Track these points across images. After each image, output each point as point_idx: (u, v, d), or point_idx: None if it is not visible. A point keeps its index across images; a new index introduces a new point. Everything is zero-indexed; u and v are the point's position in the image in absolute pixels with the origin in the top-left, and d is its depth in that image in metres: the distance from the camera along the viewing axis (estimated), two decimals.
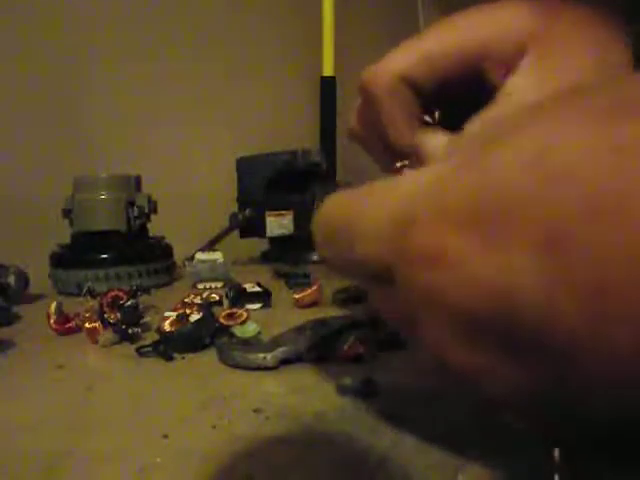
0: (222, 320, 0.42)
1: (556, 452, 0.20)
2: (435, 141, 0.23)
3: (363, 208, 0.18)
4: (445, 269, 0.14)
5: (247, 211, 0.86)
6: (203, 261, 0.66)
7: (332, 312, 0.50)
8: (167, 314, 0.43)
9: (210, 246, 0.82)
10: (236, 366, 0.34)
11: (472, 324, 0.14)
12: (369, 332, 0.35)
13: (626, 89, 0.13)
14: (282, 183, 0.86)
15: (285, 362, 0.34)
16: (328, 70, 1.09)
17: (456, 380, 0.17)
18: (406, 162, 0.27)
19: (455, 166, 0.16)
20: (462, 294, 0.14)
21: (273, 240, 0.89)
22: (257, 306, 0.52)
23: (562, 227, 0.12)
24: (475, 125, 0.21)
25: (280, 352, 0.34)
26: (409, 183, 0.17)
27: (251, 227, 0.87)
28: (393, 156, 0.28)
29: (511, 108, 0.19)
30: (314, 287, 0.52)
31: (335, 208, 0.19)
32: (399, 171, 0.28)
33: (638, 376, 0.11)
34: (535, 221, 0.12)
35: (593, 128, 0.12)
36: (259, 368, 0.33)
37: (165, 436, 0.25)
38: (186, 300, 0.51)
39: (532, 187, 0.13)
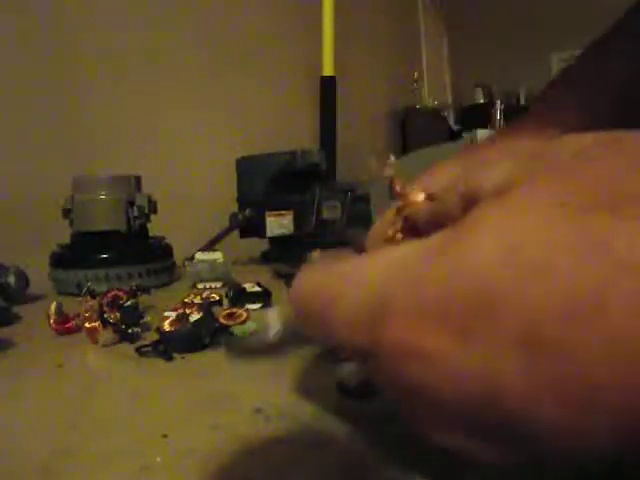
0: (222, 320, 0.42)
1: None
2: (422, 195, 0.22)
3: (337, 293, 0.17)
4: (423, 364, 0.14)
5: (247, 211, 0.86)
6: (203, 261, 0.66)
7: None
8: (167, 314, 0.43)
9: (210, 246, 0.82)
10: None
11: (453, 412, 0.14)
12: None
13: (587, 175, 0.13)
14: (282, 183, 0.86)
15: None
16: (328, 70, 1.09)
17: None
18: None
19: (429, 250, 0.15)
20: (443, 388, 0.14)
21: (273, 240, 0.89)
22: (257, 306, 0.52)
23: (538, 327, 0.12)
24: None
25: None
26: (383, 266, 0.16)
27: (251, 227, 0.87)
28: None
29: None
30: None
31: (310, 289, 0.19)
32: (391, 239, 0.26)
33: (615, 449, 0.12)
34: (512, 318, 0.12)
35: (563, 223, 0.12)
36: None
37: (165, 436, 0.25)
38: (186, 300, 0.51)
39: (507, 281, 0.13)
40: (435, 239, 0.15)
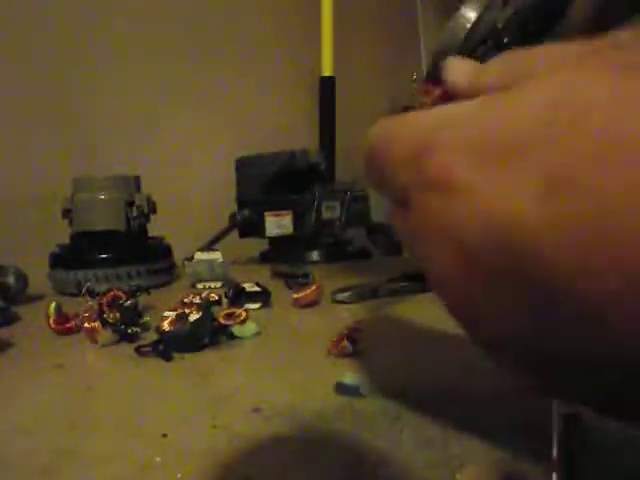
0: (221, 320, 0.42)
1: (554, 452, 0.20)
2: (460, 66, 0.23)
3: (395, 133, 0.19)
4: (453, 196, 0.15)
5: (246, 211, 0.86)
6: (202, 261, 0.66)
7: (331, 312, 0.50)
8: (166, 314, 0.43)
9: (209, 246, 0.82)
10: None
11: (473, 252, 0.15)
12: None
13: None
14: (281, 183, 0.86)
15: None
16: (327, 70, 1.09)
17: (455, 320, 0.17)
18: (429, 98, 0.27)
19: (478, 104, 0.17)
20: (466, 222, 0.15)
21: (272, 240, 0.89)
22: (256, 306, 0.52)
23: (566, 167, 0.13)
24: (498, 62, 0.21)
25: None
26: (435, 115, 0.18)
27: (250, 227, 0.87)
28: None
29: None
30: (313, 287, 0.52)
31: (375, 131, 0.21)
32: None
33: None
34: (542, 158, 0.13)
35: (609, 80, 0.13)
36: None
37: (165, 435, 0.25)
38: (185, 300, 0.51)
39: (544, 128, 0.13)
40: (485, 97, 0.17)
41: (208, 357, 0.38)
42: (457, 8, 0.35)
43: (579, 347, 0.14)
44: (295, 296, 0.52)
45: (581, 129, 0.13)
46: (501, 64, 0.19)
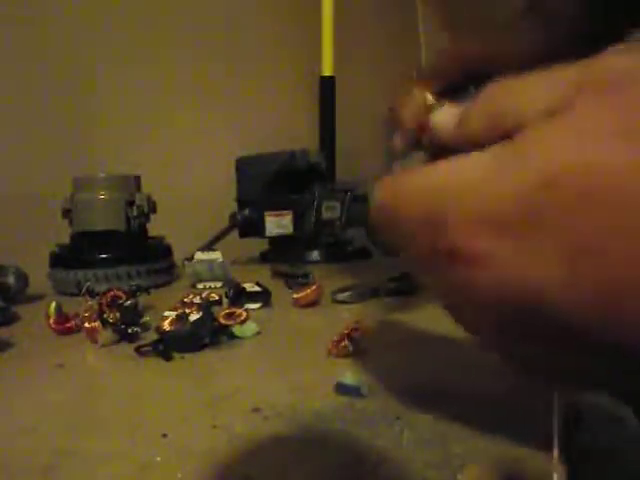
0: (221, 320, 0.42)
1: (555, 452, 0.20)
2: (444, 116, 0.23)
3: (402, 197, 0.19)
4: (476, 268, 0.16)
5: (246, 211, 0.86)
6: (202, 261, 0.66)
7: (331, 312, 0.50)
8: (166, 314, 0.43)
9: (209, 246, 0.82)
10: None
11: (500, 314, 0.16)
12: None
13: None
14: (281, 183, 0.86)
15: None
16: (327, 70, 1.09)
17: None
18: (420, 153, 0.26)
19: (487, 165, 0.16)
20: (492, 291, 0.15)
21: (272, 240, 0.89)
22: (256, 305, 0.52)
23: (592, 239, 0.14)
24: (482, 101, 0.21)
25: None
26: (445, 173, 0.18)
27: (250, 227, 0.87)
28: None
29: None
30: (313, 287, 0.52)
31: (381, 193, 0.20)
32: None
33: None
34: (570, 231, 0.14)
35: (624, 153, 0.14)
36: None
37: (165, 435, 0.25)
38: (185, 300, 0.51)
39: (559, 201, 0.14)
40: (492, 153, 0.17)
41: (208, 357, 0.38)
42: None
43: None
44: (295, 296, 0.52)
45: (596, 200, 0.13)
46: (485, 104, 0.19)
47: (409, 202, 0.18)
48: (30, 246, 0.73)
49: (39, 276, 0.65)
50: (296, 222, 0.85)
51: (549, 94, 0.16)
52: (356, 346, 0.36)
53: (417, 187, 0.18)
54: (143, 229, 0.71)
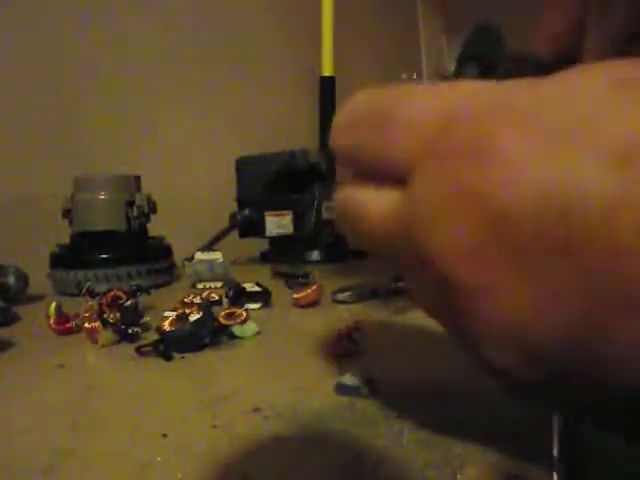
0: (222, 320, 0.42)
1: (555, 452, 0.20)
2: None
3: (405, 100, 0.17)
4: (492, 164, 0.14)
5: (246, 211, 0.86)
6: (203, 261, 0.66)
7: (331, 312, 0.50)
8: (167, 314, 0.43)
9: (210, 246, 0.82)
10: None
11: (509, 222, 0.14)
12: None
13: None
14: (281, 183, 0.86)
15: None
16: (327, 70, 1.09)
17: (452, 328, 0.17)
18: None
19: (521, 84, 0.15)
20: (507, 192, 0.14)
21: (272, 240, 0.89)
22: (257, 306, 0.52)
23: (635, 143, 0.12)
24: None
25: None
26: (457, 88, 0.17)
27: (250, 227, 0.87)
28: None
29: None
30: (313, 287, 0.52)
31: (371, 95, 0.19)
32: None
33: None
34: (613, 134, 0.13)
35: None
36: None
37: (165, 435, 0.25)
38: (185, 300, 0.51)
39: (609, 106, 0.13)
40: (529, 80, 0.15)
41: (208, 357, 0.38)
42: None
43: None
44: (295, 296, 0.52)
45: None
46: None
47: (411, 104, 0.17)
48: (30, 246, 0.73)
49: (39, 276, 0.65)
50: (296, 222, 0.85)
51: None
52: (356, 346, 0.36)
53: (422, 93, 0.17)
54: (143, 229, 0.71)
